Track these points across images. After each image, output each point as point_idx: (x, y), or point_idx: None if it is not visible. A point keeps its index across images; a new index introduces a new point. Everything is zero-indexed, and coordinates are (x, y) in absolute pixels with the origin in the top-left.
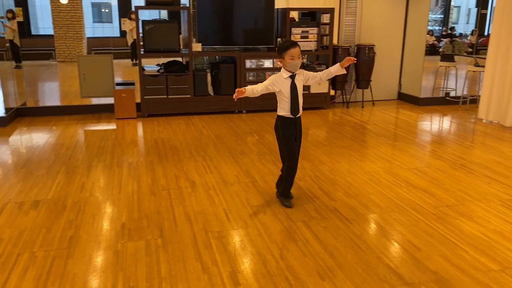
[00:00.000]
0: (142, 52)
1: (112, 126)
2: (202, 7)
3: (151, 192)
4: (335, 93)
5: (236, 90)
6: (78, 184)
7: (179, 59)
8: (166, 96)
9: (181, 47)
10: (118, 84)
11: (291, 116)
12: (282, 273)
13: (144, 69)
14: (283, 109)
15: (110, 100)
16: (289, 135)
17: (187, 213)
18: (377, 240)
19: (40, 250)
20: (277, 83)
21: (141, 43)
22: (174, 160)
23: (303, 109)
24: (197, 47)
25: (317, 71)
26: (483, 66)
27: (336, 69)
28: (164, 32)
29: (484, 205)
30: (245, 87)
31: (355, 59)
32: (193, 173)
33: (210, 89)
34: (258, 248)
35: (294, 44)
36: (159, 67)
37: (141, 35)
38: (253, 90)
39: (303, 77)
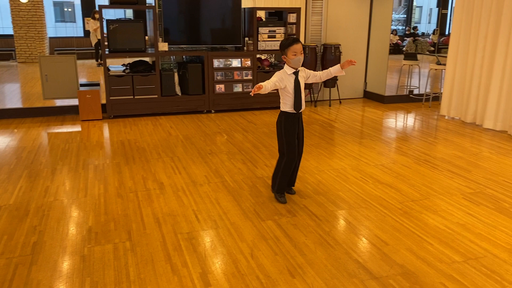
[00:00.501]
0: (107, 52)
1: (77, 128)
2: (168, 6)
3: (118, 195)
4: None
5: (256, 86)
6: (42, 189)
7: (146, 59)
8: (132, 97)
9: (147, 47)
10: (82, 85)
11: (294, 111)
12: (253, 272)
13: (109, 70)
14: (287, 105)
15: (74, 102)
16: (292, 130)
17: (155, 215)
18: (345, 236)
19: (1, 257)
20: (283, 80)
21: (106, 43)
22: (141, 162)
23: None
24: (163, 46)
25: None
26: (445, 65)
27: (335, 70)
28: (129, 31)
29: (447, 199)
30: (262, 83)
31: (355, 61)
32: (161, 174)
33: (177, 89)
34: (229, 248)
35: (296, 40)
36: (124, 67)
37: (105, 35)
38: (265, 87)
39: (305, 74)
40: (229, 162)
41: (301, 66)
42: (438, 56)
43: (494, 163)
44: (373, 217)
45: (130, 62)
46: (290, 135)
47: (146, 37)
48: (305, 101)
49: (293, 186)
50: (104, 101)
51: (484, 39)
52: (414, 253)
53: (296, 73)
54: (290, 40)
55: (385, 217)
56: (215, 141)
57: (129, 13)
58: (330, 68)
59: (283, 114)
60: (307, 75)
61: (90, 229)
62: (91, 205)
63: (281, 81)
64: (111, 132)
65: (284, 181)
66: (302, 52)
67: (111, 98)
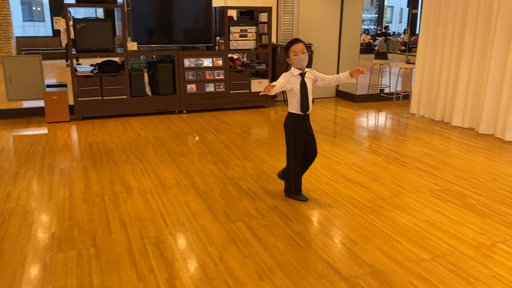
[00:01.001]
0: (74, 52)
1: (43, 131)
2: (137, 5)
3: (83, 199)
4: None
5: (267, 85)
6: (3, 194)
7: (116, 59)
8: (101, 98)
9: (116, 47)
10: (49, 86)
11: (301, 113)
12: (221, 276)
13: (76, 70)
14: (294, 107)
15: (40, 103)
16: (299, 132)
17: (122, 219)
18: (315, 236)
19: None
20: (289, 81)
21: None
22: (109, 164)
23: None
24: (132, 46)
25: (257, 70)
26: (414, 63)
27: (345, 77)
28: (97, 31)
29: (416, 196)
30: (273, 83)
31: (365, 71)
32: (130, 177)
33: (147, 89)
34: (197, 252)
35: (296, 40)
36: (93, 68)
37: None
38: (274, 88)
39: (313, 76)
40: (200, 163)
41: (309, 67)
42: (408, 55)
43: (462, 160)
44: (343, 217)
45: (99, 62)
46: (297, 137)
47: (115, 37)
48: (278, 101)
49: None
50: (72, 103)
51: (451, 38)
52: (383, 252)
53: (302, 74)
54: (290, 42)
55: (355, 216)
56: (186, 142)
57: (100, 12)
58: (339, 74)
59: (291, 116)
60: (315, 77)
61: (53, 235)
62: (55, 210)
63: (287, 82)
64: (79, 134)
65: (298, 182)
66: (305, 51)
67: (78, 99)
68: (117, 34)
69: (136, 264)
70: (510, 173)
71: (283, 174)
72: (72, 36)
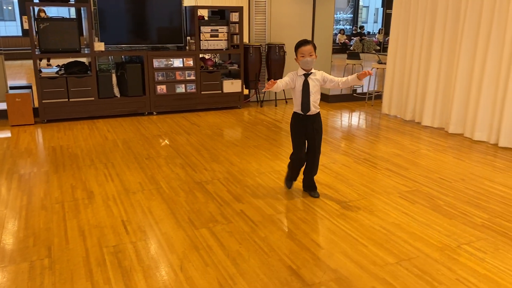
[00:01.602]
0: (37, 53)
1: (5, 134)
2: (104, 4)
3: (42, 207)
4: (249, 92)
5: (270, 81)
6: None
7: (83, 59)
8: (67, 100)
9: (83, 47)
10: (12, 88)
11: (302, 113)
12: (181, 286)
13: (41, 71)
14: (296, 106)
15: (3, 106)
16: (298, 131)
17: (81, 227)
18: (281, 242)
19: None
20: (293, 80)
21: (36, 42)
22: (72, 169)
23: None
24: (99, 46)
25: (229, 70)
26: (386, 63)
27: (353, 79)
28: (61, 30)
29: (384, 198)
30: (277, 80)
31: (372, 73)
32: (92, 183)
33: (116, 90)
34: (157, 261)
35: (305, 42)
36: (58, 69)
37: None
38: (278, 84)
39: (320, 78)
40: (166, 167)
41: (317, 69)
42: (380, 55)
43: (431, 161)
44: (310, 220)
45: (65, 63)
46: (296, 136)
47: (82, 37)
48: (251, 101)
49: (315, 189)
50: (37, 105)
51: (420, 38)
52: (349, 256)
53: (306, 75)
54: (299, 43)
55: (322, 219)
56: (154, 145)
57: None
58: (348, 77)
59: (293, 114)
60: (323, 79)
61: (5, 246)
62: (10, 219)
63: (292, 81)
64: (43, 138)
65: (292, 173)
66: (312, 53)
67: (43, 101)
68: (84, 34)
69: (92, 275)
70: (478, 173)
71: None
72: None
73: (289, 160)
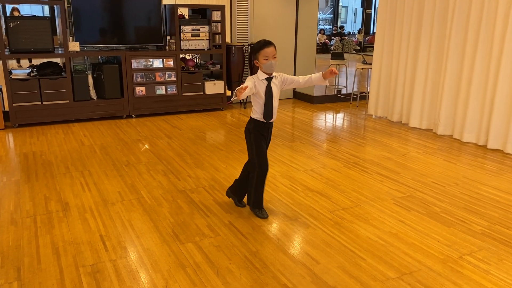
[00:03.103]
0: (7, 53)
1: None
2: (79, 1)
3: (11, 221)
4: (232, 93)
5: (238, 88)
6: None
7: (58, 60)
8: (40, 103)
9: (57, 47)
10: None
11: (264, 120)
12: None
13: (11, 73)
14: (257, 113)
15: None
16: (260, 139)
17: (54, 244)
18: (273, 256)
19: None
20: (255, 85)
21: (6, 42)
22: (45, 178)
23: None
24: (74, 46)
25: (211, 71)
26: (371, 63)
27: (317, 79)
28: (33, 30)
29: (378, 205)
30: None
31: (337, 72)
32: (68, 193)
33: (92, 92)
34: (139, 282)
35: (268, 43)
36: (30, 70)
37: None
38: (246, 91)
39: (281, 81)
40: (148, 174)
41: (276, 70)
42: (364, 55)
43: (422, 164)
44: (303, 231)
45: (37, 64)
46: (259, 145)
47: (56, 36)
48: (234, 103)
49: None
50: (7, 108)
51: (407, 38)
52: (347, 271)
53: (269, 79)
54: (261, 43)
55: (315, 230)
56: (134, 150)
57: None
58: (311, 75)
59: (252, 121)
60: (283, 81)
61: None
62: None
63: (254, 85)
64: (15, 144)
65: (260, 195)
66: (275, 55)
67: (14, 104)
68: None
69: None
70: (470, 177)
71: (231, 191)
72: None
73: (240, 180)
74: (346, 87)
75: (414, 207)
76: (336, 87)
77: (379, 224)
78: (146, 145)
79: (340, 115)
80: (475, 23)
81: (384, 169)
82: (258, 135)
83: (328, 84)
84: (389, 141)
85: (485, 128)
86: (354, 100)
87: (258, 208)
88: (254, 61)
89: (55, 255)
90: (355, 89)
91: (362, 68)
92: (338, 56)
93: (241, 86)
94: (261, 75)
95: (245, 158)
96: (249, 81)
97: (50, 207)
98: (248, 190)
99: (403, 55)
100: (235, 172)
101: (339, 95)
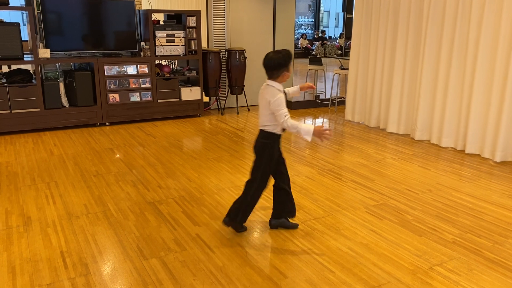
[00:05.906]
0: None
1: None
2: (50, 7)
3: None
4: (210, 99)
5: (323, 134)
6: None
7: (28, 67)
8: (8, 111)
9: (27, 54)
10: None
11: (280, 133)
12: None
13: None
14: (276, 126)
15: None
16: (273, 157)
17: (11, 262)
18: (240, 271)
19: None
20: None
21: None
22: (9, 191)
23: None
24: (44, 53)
25: (187, 77)
26: (348, 69)
27: (293, 90)
28: (1, 36)
29: (351, 214)
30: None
31: (314, 87)
32: (31, 206)
33: (64, 100)
34: None
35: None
36: None
37: None
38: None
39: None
40: (116, 185)
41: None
42: (342, 59)
43: (397, 170)
44: (273, 243)
45: (6, 71)
46: (271, 164)
47: (26, 43)
48: (212, 109)
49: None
50: None
51: (383, 43)
52: (314, 285)
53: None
54: (290, 55)
55: (285, 241)
56: (105, 160)
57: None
58: (288, 89)
59: (271, 136)
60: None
61: None
62: None
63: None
64: None
65: (250, 211)
66: None
67: None
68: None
69: None
70: (444, 183)
71: (275, 222)
72: None
73: (243, 201)
74: (325, 92)
75: (386, 215)
76: (315, 92)
77: (350, 235)
78: (117, 155)
79: (318, 121)
80: (449, 28)
81: (358, 176)
82: (274, 151)
83: (299, 95)
84: (366, 147)
85: (463, 133)
86: (332, 105)
87: (241, 224)
88: (284, 73)
89: (10, 274)
90: (334, 94)
91: (340, 73)
92: (316, 61)
93: (323, 128)
94: (279, 87)
95: (220, 167)
96: (283, 101)
97: (11, 222)
98: (243, 206)
99: (380, 59)
100: (208, 182)
101: (317, 101)
